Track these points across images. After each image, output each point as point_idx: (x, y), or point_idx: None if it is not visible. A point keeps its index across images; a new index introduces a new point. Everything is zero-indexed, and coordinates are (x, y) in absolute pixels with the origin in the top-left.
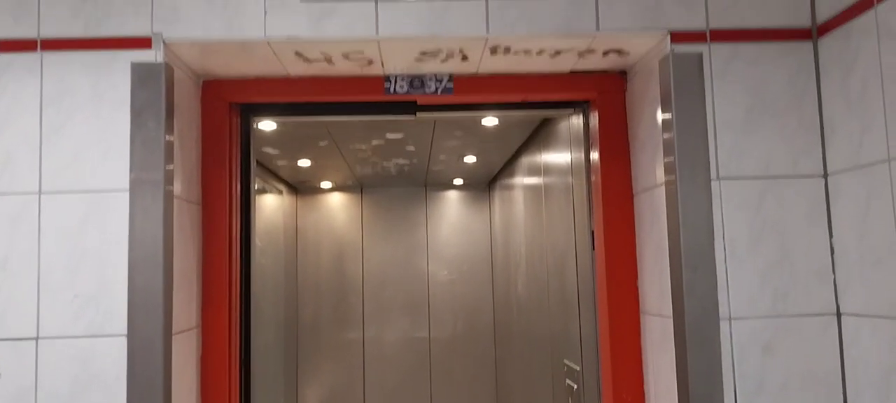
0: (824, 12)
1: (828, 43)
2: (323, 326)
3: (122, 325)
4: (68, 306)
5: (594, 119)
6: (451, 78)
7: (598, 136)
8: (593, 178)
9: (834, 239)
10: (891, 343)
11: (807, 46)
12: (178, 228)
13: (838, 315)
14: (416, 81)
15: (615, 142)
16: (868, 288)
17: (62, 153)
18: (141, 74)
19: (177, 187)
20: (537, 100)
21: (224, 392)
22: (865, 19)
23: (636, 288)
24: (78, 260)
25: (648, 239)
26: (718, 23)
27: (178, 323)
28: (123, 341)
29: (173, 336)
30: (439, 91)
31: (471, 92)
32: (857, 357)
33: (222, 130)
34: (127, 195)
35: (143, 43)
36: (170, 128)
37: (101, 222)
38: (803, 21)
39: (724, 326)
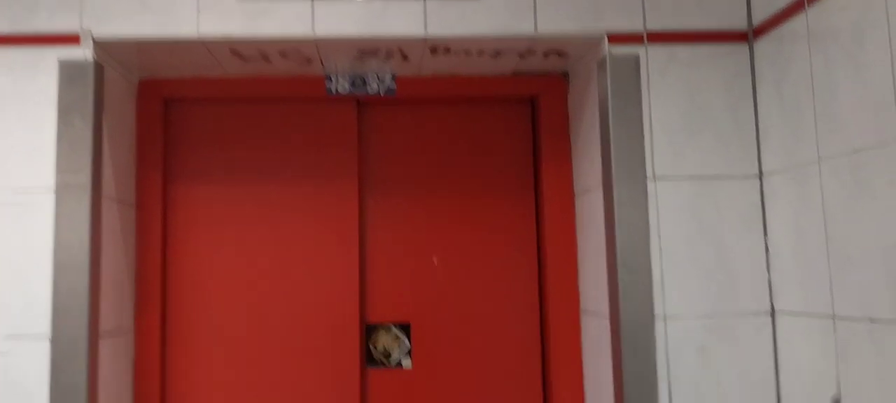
0: (759, 15)
1: (762, 46)
2: None
3: (46, 328)
4: None
5: (537, 119)
6: (394, 78)
7: (540, 137)
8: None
9: (769, 239)
10: (823, 343)
11: (743, 49)
12: (108, 231)
13: (773, 314)
14: (358, 81)
15: (557, 143)
16: (802, 287)
17: None
18: (69, 73)
19: (108, 188)
20: (481, 99)
21: (156, 400)
22: (797, 22)
23: (577, 288)
24: (0, 261)
25: (589, 240)
26: (655, 25)
27: (106, 326)
28: (47, 345)
29: (102, 341)
30: (382, 91)
31: (414, 92)
32: (790, 356)
33: (158, 131)
34: (53, 196)
35: (72, 39)
36: (99, 129)
37: (26, 223)
38: (740, 23)
39: (659, 326)
